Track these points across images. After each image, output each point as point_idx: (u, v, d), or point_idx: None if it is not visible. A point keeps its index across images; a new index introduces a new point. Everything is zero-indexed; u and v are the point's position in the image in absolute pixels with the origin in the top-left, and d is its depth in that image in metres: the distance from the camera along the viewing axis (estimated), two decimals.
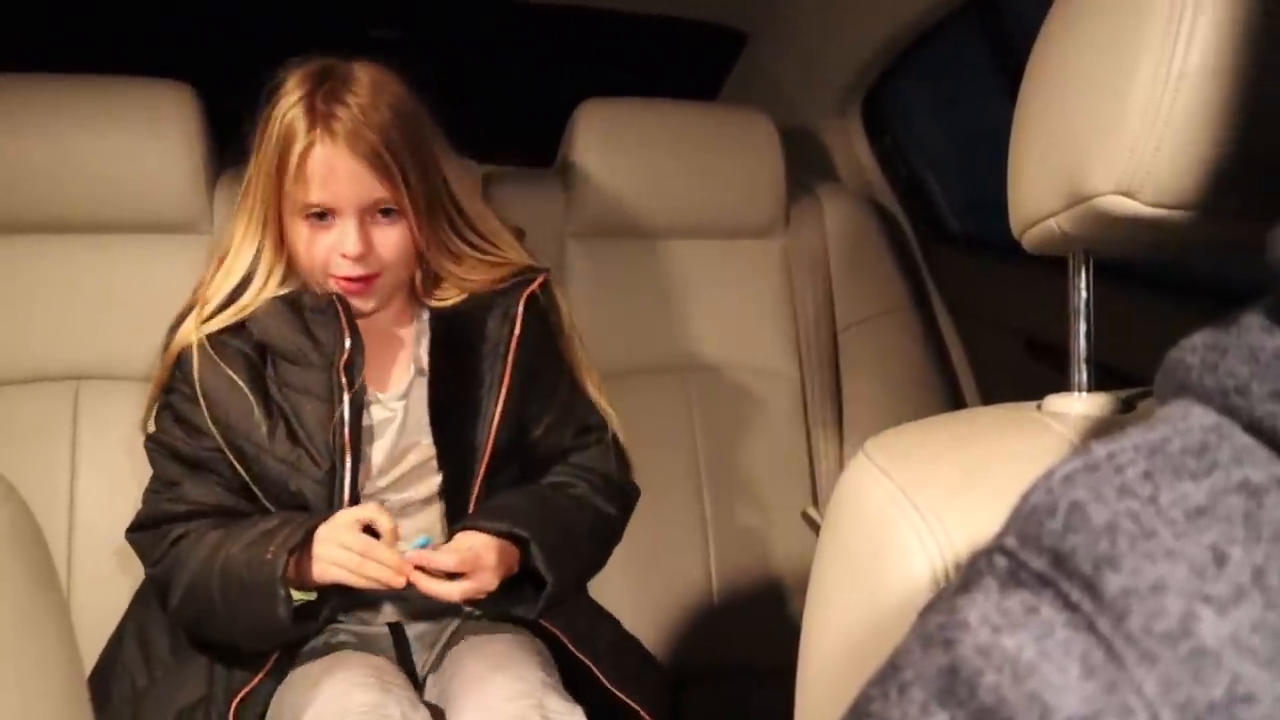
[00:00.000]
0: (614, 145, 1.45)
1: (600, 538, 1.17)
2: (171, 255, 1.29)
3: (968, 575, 0.34)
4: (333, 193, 1.01)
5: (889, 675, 0.34)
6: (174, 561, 1.02)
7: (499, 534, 1.02)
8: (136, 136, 1.27)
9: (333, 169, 1.00)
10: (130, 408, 1.20)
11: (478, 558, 0.99)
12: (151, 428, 1.11)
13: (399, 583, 0.95)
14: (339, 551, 0.96)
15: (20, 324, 1.25)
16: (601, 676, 1.03)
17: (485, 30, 1.84)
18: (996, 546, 0.34)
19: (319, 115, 1.00)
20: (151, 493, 1.08)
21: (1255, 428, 0.32)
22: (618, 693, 1.04)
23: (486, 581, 1.00)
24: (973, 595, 0.33)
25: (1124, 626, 0.29)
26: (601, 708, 1.02)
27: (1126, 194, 0.47)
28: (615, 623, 1.18)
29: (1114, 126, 0.46)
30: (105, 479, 1.24)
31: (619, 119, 1.47)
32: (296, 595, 0.97)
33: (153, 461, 1.09)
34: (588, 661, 1.02)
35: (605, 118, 1.46)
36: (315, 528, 0.97)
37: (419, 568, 0.96)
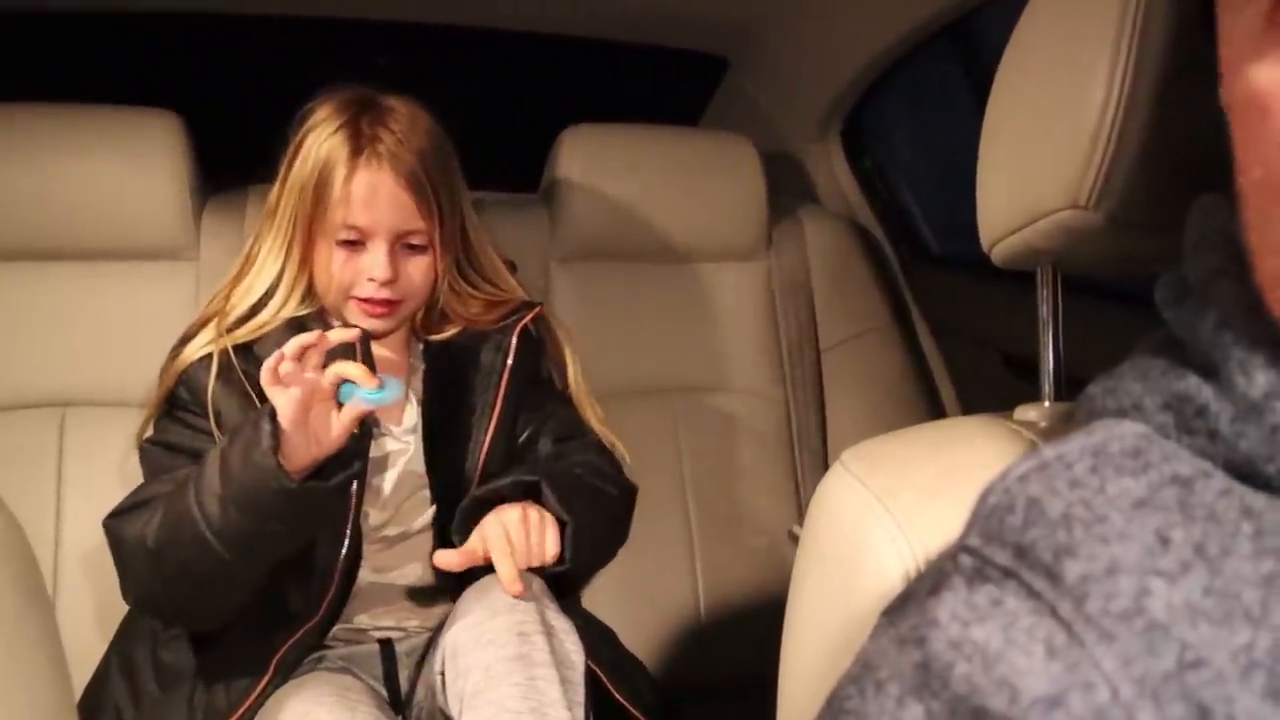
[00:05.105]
0: (597, 170, 1.47)
1: (606, 509, 1.11)
2: (157, 282, 1.30)
3: (936, 578, 0.36)
4: (372, 216, 1.02)
5: (863, 674, 0.35)
6: (150, 509, 0.96)
7: (505, 493, 1.00)
8: (123, 164, 1.28)
9: (376, 192, 1.01)
10: (117, 434, 1.21)
11: (486, 537, 0.96)
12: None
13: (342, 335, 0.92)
14: (295, 392, 0.88)
15: (5, 350, 1.25)
16: (610, 687, 1.00)
17: (468, 57, 1.86)
18: (961, 547, 0.36)
19: (365, 139, 1.01)
20: (140, 486, 1.04)
21: (1163, 435, 0.35)
22: (626, 704, 1.01)
23: (541, 547, 0.96)
24: (941, 595, 0.34)
25: (1083, 609, 0.31)
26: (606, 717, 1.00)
27: (1083, 209, 0.49)
28: (614, 636, 1.17)
29: (1070, 146, 0.49)
30: (91, 506, 1.22)
31: (602, 144, 1.49)
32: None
33: (147, 462, 1.05)
34: (595, 668, 0.98)
35: (588, 143, 1.48)
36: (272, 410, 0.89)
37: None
